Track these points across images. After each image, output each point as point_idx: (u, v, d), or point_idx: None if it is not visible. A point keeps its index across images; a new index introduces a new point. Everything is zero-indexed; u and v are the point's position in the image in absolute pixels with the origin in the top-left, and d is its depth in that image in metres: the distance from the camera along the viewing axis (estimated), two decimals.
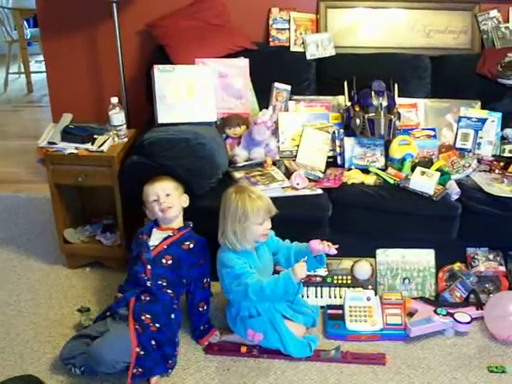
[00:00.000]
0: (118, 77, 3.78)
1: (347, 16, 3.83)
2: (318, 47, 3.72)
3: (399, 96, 3.54)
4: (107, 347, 2.65)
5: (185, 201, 3.00)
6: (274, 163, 3.37)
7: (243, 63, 3.60)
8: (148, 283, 2.82)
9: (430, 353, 2.94)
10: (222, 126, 3.48)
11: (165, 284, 2.85)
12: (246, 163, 3.36)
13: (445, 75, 3.72)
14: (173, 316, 2.82)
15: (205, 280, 2.97)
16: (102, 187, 3.30)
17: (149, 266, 2.86)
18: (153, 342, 2.73)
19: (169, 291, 2.85)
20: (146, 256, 2.88)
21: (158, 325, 2.76)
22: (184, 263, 2.90)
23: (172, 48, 3.61)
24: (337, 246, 2.79)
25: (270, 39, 3.79)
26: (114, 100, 3.31)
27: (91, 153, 3.20)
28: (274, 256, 2.96)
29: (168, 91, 3.32)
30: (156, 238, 2.93)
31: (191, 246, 2.92)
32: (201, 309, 2.96)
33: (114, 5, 3.61)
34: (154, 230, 2.96)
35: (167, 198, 2.91)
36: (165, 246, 2.89)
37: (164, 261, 2.87)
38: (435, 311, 3.04)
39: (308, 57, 3.73)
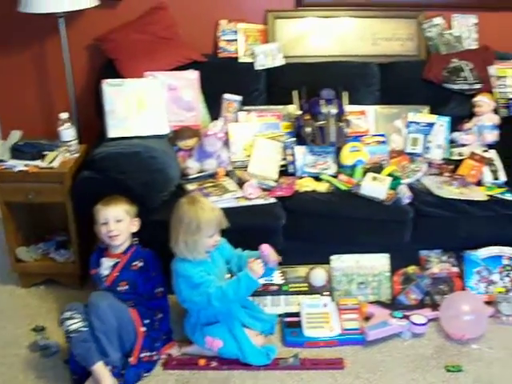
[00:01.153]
0: (68, 92, 3.75)
1: (296, 26, 3.86)
2: (267, 57, 3.74)
3: (349, 103, 3.58)
4: (103, 297, 2.77)
5: (135, 225, 2.98)
6: (227, 174, 3.39)
7: (193, 75, 3.60)
8: None
9: (388, 355, 2.97)
10: (173, 138, 3.47)
11: (133, 305, 2.88)
12: (199, 175, 3.37)
13: (393, 82, 3.78)
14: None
15: (158, 290, 2.97)
16: (54, 204, 3.26)
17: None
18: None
19: (140, 308, 2.89)
20: (101, 287, 2.92)
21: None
22: (139, 283, 2.92)
23: (121, 62, 3.59)
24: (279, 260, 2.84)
25: (219, 51, 3.80)
26: (64, 116, 3.30)
27: (41, 169, 3.18)
28: (226, 264, 2.97)
29: (118, 105, 3.32)
30: (105, 268, 2.95)
31: (140, 264, 2.94)
32: (155, 317, 2.95)
33: (62, 19, 3.58)
34: (103, 259, 2.96)
35: (117, 225, 2.89)
36: (116, 274, 2.91)
37: (120, 288, 2.90)
38: (391, 314, 3.09)
39: (257, 67, 3.74)
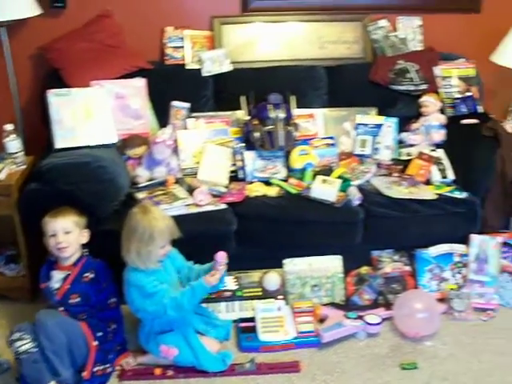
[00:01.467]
0: (12, 103, 3.69)
1: (243, 31, 3.86)
2: (214, 64, 3.73)
3: (297, 107, 3.60)
4: (50, 316, 2.73)
5: (85, 236, 2.94)
6: (177, 181, 3.37)
7: (140, 83, 3.57)
8: None
9: (344, 356, 2.99)
10: (122, 147, 3.43)
11: (85, 317, 2.85)
12: (148, 183, 3.33)
13: (340, 84, 3.82)
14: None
15: (111, 300, 2.94)
16: (2, 217, 3.19)
17: (61, 308, 2.85)
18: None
19: (92, 320, 2.85)
20: (52, 301, 2.87)
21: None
22: (91, 294, 2.88)
23: (67, 71, 3.54)
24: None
25: (166, 58, 3.77)
26: (9, 127, 3.25)
27: None
28: (177, 273, 2.95)
29: (65, 115, 3.26)
30: (56, 281, 2.90)
31: (91, 275, 2.90)
32: (109, 328, 2.92)
33: (4, 29, 3.52)
34: (53, 272, 2.91)
35: (65, 237, 2.84)
36: (67, 286, 2.87)
37: (71, 301, 2.86)
38: (346, 315, 3.11)
39: (204, 73, 3.73)
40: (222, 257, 2.78)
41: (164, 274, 2.83)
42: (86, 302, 2.87)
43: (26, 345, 2.64)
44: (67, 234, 2.84)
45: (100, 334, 2.84)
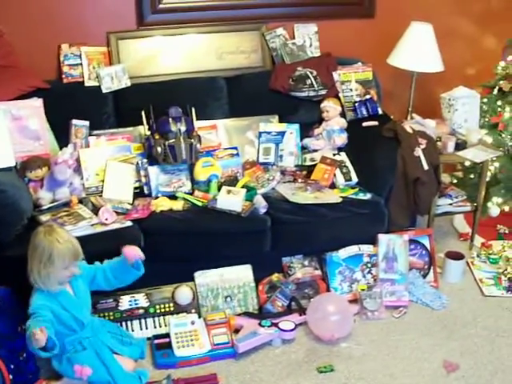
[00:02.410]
0: None
1: (142, 46, 3.82)
2: (112, 79, 3.68)
3: (198, 119, 3.59)
4: None
5: None
6: (81, 201, 3.31)
7: (37, 103, 3.48)
8: None
9: (261, 365, 2.99)
10: (22, 169, 3.33)
11: None
12: (52, 205, 3.25)
13: (241, 94, 3.84)
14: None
15: (20, 328, 2.83)
16: None
17: None
18: None
19: (2, 352, 2.72)
20: None
21: None
22: None
23: None
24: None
25: (63, 76, 3.69)
26: None
27: None
28: (92, 283, 2.87)
29: None
30: None
31: None
32: (21, 358, 2.82)
33: None
34: None
35: None
36: None
37: None
38: (260, 324, 3.12)
39: (104, 90, 3.67)
40: (129, 249, 2.78)
41: (69, 297, 2.74)
42: None
43: None
44: None
45: (12, 366, 2.73)
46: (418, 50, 3.87)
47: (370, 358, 3.03)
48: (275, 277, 3.36)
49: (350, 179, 3.53)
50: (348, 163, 3.59)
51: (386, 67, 3.97)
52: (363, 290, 3.37)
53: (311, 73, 3.84)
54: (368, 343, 3.13)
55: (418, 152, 3.48)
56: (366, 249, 3.45)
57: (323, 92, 3.83)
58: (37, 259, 2.63)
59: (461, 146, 3.77)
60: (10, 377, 2.70)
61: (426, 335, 3.20)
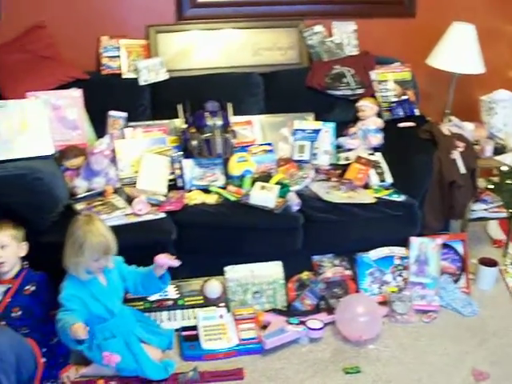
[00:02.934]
0: None
1: (179, 40, 3.86)
2: (150, 72, 3.72)
3: (234, 114, 3.61)
4: (2, 334, 2.64)
5: (23, 249, 2.89)
6: (115, 191, 3.34)
7: (76, 94, 3.54)
8: None
9: (287, 362, 2.99)
10: (59, 158, 3.38)
11: (28, 331, 2.79)
12: (87, 194, 3.30)
13: (277, 90, 3.85)
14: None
15: (53, 312, 2.83)
16: None
17: (3, 322, 2.79)
18: None
19: (35, 335, 2.79)
20: None
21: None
22: (34, 307, 2.83)
23: (1, 83, 3.49)
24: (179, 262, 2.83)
25: (102, 67, 3.74)
26: None
27: None
28: (123, 282, 2.93)
29: (0, 128, 3.19)
30: None
31: (32, 288, 2.86)
32: (51, 342, 2.87)
33: None
34: None
35: (2, 252, 2.79)
36: (8, 300, 2.82)
37: (14, 314, 2.81)
38: (288, 321, 3.11)
39: (141, 83, 3.71)
40: (160, 258, 2.80)
41: (101, 287, 2.79)
42: (28, 316, 2.82)
43: None
44: (4, 248, 2.79)
45: (44, 349, 2.79)
46: (458, 50, 3.84)
47: (397, 361, 3.00)
48: (305, 275, 3.35)
49: (385, 180, 3.51)
50: (383, 164, 3.57)
51: (424, 68, 3.94)
52: (393, 292, 3.34)
53: (348, 71, 3.83)
54: (396, 346, 3.10)
55: (455, 155, 3.44)
56: (398, 251, 3.42)
57: (360, 91, 3.81)
58: (70, 246, 2.70)
59: (499, 150, 3.73)
60: (43, 360, 2.74)
61: (455, 342, 3.15)
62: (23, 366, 2.67)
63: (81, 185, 3.34)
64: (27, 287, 2.85)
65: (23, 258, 2.91)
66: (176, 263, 2.81)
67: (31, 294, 2.84)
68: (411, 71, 3.91)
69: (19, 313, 2.81)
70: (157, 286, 2.88)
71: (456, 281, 3.50)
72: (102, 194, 3.31)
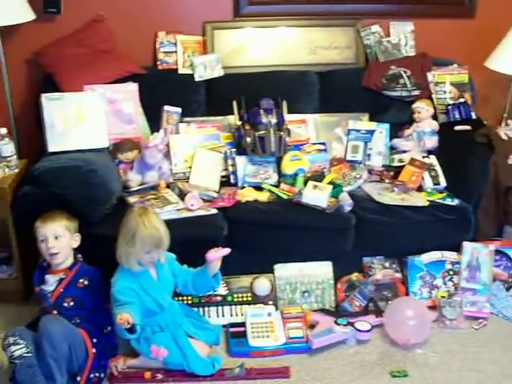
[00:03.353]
0: (6, 107, 3.69)
1: (235, 36, 3.87)
2: (206, 69, 3.75)
3: (288, 112, 3.61)
4: (57, 324, 2.69)
5: (76, 240, 2.94)
6: (168, 186, 3.38)
7: (132, 88, 3.59)
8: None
9: (334, 363, 2.98)
10: (113, 151, 3.45)
11: (79, 321, 2.85)
12: (140, 187, 3.34)
13: (332, 90, 3.82)
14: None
15: (105, 305, 2.92)
16: None
17: (55, 311, 2.85)
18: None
19: (87, 325, 2.85)
20: (46, 304, 2.87)
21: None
22: (86, 300, 2.88)
23: (60, 76, 3.55)
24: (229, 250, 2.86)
25: (158, 62, 3.79)
26: (3, 131, 3.24)
27: None
28: (174, 278, 2.96)
29: (57, 119, 3.27)
30: (50, 284, 2.89)
31: (86, 282, 2.91)
32: (105, 331, 2.93)
33: None
34: (47, 276, 2.90)
35: (56, 242, 2.84)
36: (61, 290, 2.87)
37: (66, 304, 2.87)
38: (336, 322, 3.10)
39: (196, 78, 3.74)
40: (212, 253, 2.83)
41: (151, 280, 2.82)
42: (80, 307, 2.88)
43: (20, 349, 2.64)
44: (58, 238, 2.84)
45: (95, 340, 2.84)
46: None
47: (445, 367, 2.96)
48: (355, 276, 3.33)
49: (439, 183, 3.46)
50: (437, 167, 3.51)
51: (482, 70, 3.85)
52: (443, 297, 3.28)
53: (405, 72, 3.78)
54: (444, 352, 3.05)
55: None
56: (450, 256, 3.37)
57: (416, 92, 3.76)
58: (123, 236, 2.74)
59: None
60: (94, 350, 2.80)
61: (505, 350, 3.09)
62: (75, 355, 2.73)
63: (134, 178, 3.39)
64: (81, 280, 2.90)
65: (77, 251, 2.96)
66: (226, 251, 2.83)
67: (84, 288, 2.90)
68: (469, 73, 3.84)
69: (71, 303, 2.87)
70: (209, 285, 2.90)
71: (508, 288, 3.42)
72: (154, 187, 3.35)
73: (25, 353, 2.63)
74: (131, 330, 2.64)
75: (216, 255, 2.83)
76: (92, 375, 2.78)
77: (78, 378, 2.75)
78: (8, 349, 2.65)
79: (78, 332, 2.79)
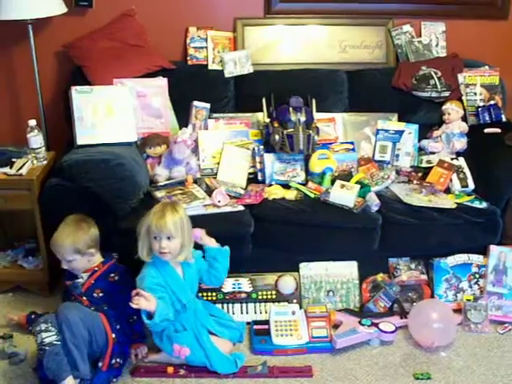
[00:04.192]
0: (36, 99, 3.71)
1: (265, 33, 3.87)
2: (235, 65, 3.75)
3: (317, 111, 3.60)
4: (74, 309, 2.74)
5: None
6: (195, 181, 3.39)
7: (162, 82, 3.60)
8: (92, 309, 2.88)
9: (357, 363, 2.97)
10: (142, 145, 3.46)
11: (106, 308, 2.89)
12: (167, 182, 3.35)
13: (361, 89, 3.80)
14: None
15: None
16: (23, 211, 3.24)
17: (84, 298, 2.90)
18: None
19: (113, 312, 2.90)
20: (76, 292, 2.92)
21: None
22: (115, 293, 2.92)
23: (90, 69, 3.57)
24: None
25: (188, 58, 3.79)
26: (32, 123, 3.26)
27: (10, 176, 3.15)
28: (198, 275, 2.97)
29: (86, 112, 3.29)
30: (81, 276, 2.96)
31: (116, 277, 2.97)
32: (131, 320, 2.96)
33: (30, 26, 3.54)
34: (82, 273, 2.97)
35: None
36: (92, 281, 2.92)
37: (95, 294, 2.92)
38: (360, 322, 3.09)
39: (226, 75, 3.74)
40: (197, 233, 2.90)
41: (178, 279, 2.83)
42: (108, 297, 2.92)
43: (51, 337, 2.67)
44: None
45: (118, 326, 2.87)
46: None
47: (469, 371, 2.94)
48: (380, 277, 3.32)
49: (467, 186, 3.42)
50: (466, 169, 3.48)
51: None
52: (469, 300, 3.25)
53: (435, 73, 3.76)
54: (468, 356, 3.03)
55: None
56: (476, 259, 3.34)
57: (446, 94, 3.74)
58: (141, 222, 2.78)
59: None
60: (113, 335, 2.82)
61: None
62: (94, 339, 2.76)
63: (162, 173, 3.40)
64: (112, 275, 2.97)
65: (112, 250, 3.03)
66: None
67: (114, 282, 2.96)
68: (500, 75, 3.80)
69: (101, 294, 2.93)
70: (221, 257, 2.93)
71: None
72: (182, 183, 3.35)
73: (55, 340, 2.67)
74: (151, 315, 2.65)
75: (197, 230, 2.88)
76: (113, 361, 2.81)
77: (100, 364, 2.77)
78: (39, 335, 2.69)
79: (97, 316, 2.83)
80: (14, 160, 3.23)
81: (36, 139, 3.26)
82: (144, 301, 2.60)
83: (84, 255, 2.90)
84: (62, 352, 2.65)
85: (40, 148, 3.28)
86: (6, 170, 3.17)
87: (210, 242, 2.94)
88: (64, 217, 2.98)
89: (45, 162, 3.30)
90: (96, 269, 2.95)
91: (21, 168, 3.18)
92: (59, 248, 2.88)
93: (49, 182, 3.09)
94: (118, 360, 2.82)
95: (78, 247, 2.87)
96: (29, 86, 3.73)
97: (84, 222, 2.94)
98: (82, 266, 2.93)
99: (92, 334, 2.74)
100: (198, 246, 2.93)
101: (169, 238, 2.73)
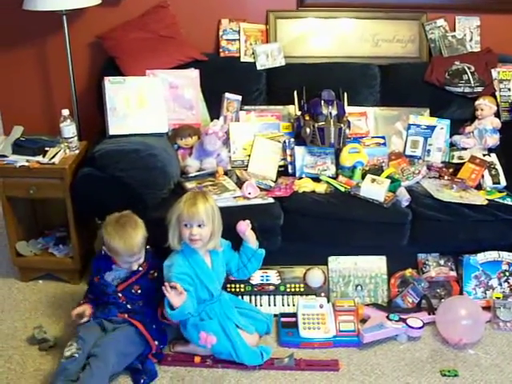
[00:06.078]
0: (69, 89, 3.76)
1: (297, 26, 3.86)
2: (267, 57, 3.75)
3: (349, 105, 3.58)
4: (111, 348, 2.73)
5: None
6: (226, 173, 3.40)
7: (194, 74, 3.62)
8: (128, 306, 2.90)
9: (384, 358, 2.96)
10: (173, 136, 3.48)
11: (141, 304, 2.91)
12: (198, 173, 3.37)
13: (394, 83, 3.78)
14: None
15: None
16: (54, 199, 3.28)
17: (120, 294, 2.90)
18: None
19: (148, 310, 2.91)
20: (108, 291, 2.90)
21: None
22: (152, 290, 2.91)
23: (122, 60, 3.60)
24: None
25: (221, 50, 3.81)
26: (65, 112, 3.29)
27: (42, 165, 3.17)
28: (226, 265, 2.99)
29: (119, 103, 3.32)
30: (119, 275, 2.94)
31: (155, 274, 2.96)
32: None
33: (64, 17, 3.59)
34: (115, 265, 2.95)
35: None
36: (133, 281, 2.92)
37: (133, 291, 2.93)
38: (388, 317, 3.07)
39: (258, 67, 3.75)
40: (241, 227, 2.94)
41: (205, 268, 2.85)
42: (145, 294, 2.93)
43: (71, 350, 2.69)
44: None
45: (154, 326, 2.89)
46: None
47: (497, 369, 2.91)
48: (409, 272, 3.29)
49: (499, 182, 3.40)
50: (498, 166, 3.46)
51: None
52: (498, 298, 3.22)
53: (469, 68, 3.72)
54: (496, 354, 3.00)
55: None
56: (507, 256, 3.30)
57: (479, 89, 3.70)
58: (172, 209, 2.82)
59: None
60: (156, 343, 2.85)
61: None
62: (131, 356, 2.80)
63: (192, 164, 3.42)
64: (152, 271, 2.96)
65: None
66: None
67: (153, 279, 2.95)
68: None
69: (139, 291, 2.93)
70: (256, 257, 2.97)
71: None
72: (212, 174, 3.36)
73: (75, 353, 2.67)
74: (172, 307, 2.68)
75: (243, 224, 2.90)
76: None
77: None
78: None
79: (134, 332, 2.82)
80: (47, 149, 3.25)
81: (69, 128, 3.28)
82: (174, 295, 2.63)
83: (140, 253, 2.91)
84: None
85: (72, 137, 3.31)
86: (39, 158, 3.19)
87: (251, 240, 2.96)
88: (95, 206, 3.04)
89: (77, 152, 3.32)
90: (140, 268, 2.93)
91: (53, 157, 3.20)
92: (130, 250, 2.81)
93: (81, 172, 3.11)
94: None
95: (140, 246, 2.87)
96: (62, 76, 3.78)
97: (133, 219, 2.90)
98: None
99: (130, 359, 2.78)
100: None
101: (200, 225, 2.76)
